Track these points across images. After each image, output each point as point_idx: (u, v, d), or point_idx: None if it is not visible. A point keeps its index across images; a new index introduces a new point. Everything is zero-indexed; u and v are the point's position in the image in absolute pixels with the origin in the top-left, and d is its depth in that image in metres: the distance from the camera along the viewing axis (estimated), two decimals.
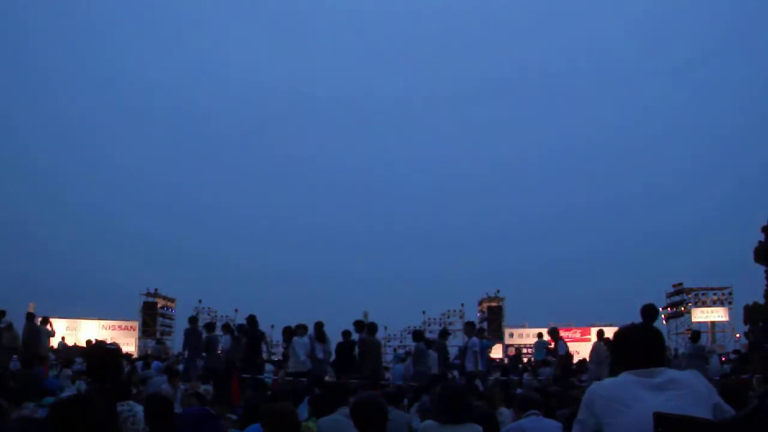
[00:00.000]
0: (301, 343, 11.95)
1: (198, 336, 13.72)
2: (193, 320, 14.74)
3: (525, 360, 20.16)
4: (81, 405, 2.85)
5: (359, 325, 12.58)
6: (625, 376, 2.59)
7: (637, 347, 2.66)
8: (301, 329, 12.25)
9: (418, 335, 13.10)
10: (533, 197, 48.67)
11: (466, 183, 50.46)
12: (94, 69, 50.73)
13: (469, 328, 13.23)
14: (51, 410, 2.88)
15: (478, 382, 11.35)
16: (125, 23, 51.20)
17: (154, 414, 4.28)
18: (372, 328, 12.38)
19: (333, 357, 12.47)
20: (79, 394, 3.55)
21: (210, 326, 14.34)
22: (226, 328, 14.23)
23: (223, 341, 13.86)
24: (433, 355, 12.31)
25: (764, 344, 12.77)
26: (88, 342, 18.15)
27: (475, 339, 12.30)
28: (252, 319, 12.98)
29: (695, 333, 14.96)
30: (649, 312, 9.56)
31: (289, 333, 12.60)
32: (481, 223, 47.87)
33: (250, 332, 12.89)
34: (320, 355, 11.99)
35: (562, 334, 26.41)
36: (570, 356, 13.70)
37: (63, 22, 49.07)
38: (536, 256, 44.83)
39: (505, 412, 7.03)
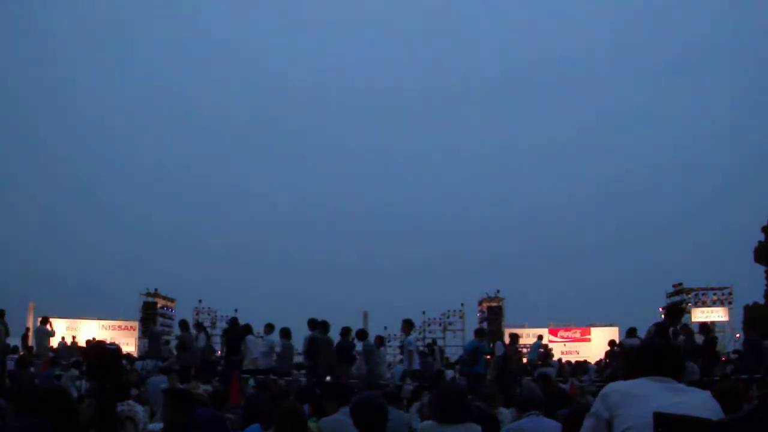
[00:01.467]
0: (253, 341, 12.63)
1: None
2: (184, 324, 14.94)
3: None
4: (52, 394, 2.86)
5: (312, 323, 12.61)
6: (642, 379, 2.67)
7: (655, 359, 2.75)
8: (268, 328, 13.07)
9: (363, 334, 12.93)
10: (533, 197, 48.69)
11: (465, 179, 50.53)
12: (101, 58, 50.59)
13: (407, 325, 12.93)
14: (24, 398, 2.89)
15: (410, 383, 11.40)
16: (135, 12, 51.18)
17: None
18: (324, 326, 12.50)
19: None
20: (50, 385, 3.56)
21: (183, 325, 14.53)
22: (199, 327, 14.73)
23: (199, 340, 14.15)
24: (383, 353, 12.43)
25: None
26: (89, 342, 18.17)
27: (411, 338, 12.36)
28: (233, 321, 13.85)
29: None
30: (674, 311, 9.69)
31: (286, 334, 12.82)
32: (482, 223, 47.93)
33: (229, 332, 13.42)
34: (278, 350, 12.57)
35: (563, 334, 26.44)
36: (509, 358, 13.71)
37: (73, 16, 49.11)
38: (537, 255, 44.85)
39: (504, 412, 7.04)
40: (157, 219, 47.58)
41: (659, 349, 2.84)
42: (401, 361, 14.11)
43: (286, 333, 12.89)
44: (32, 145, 47.67)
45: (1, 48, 48.03)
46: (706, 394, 2.66)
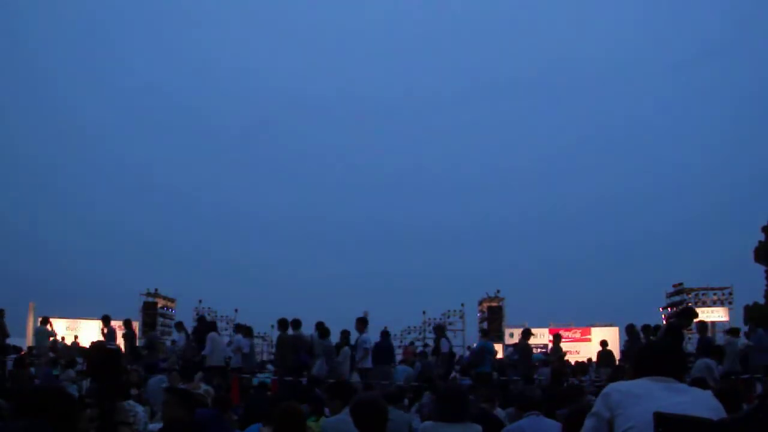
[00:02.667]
0: (216, 338, 12.95)
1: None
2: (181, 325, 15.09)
3: None
4: (46, 394, 2.86)
5: (280, 322, 12.77)
6: (643, 380, 2.67)
7: (656, 359, 2.76)
8: (246, 330, 13.53)
9: (324, 331, 12.79)
10: (533, 196, 48.68)
11: (465, 181, 50.51)
12: (95, 67, 50.68)
13: (360, 324, 12.87)
14: (18, 399, 2.89)
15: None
16: (127, 21, 51.23)
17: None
18: (283, 324, 12.64)
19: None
20: (48, 385, 3.55)
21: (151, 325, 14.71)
22: (180, 326, 14.85)
23: (180, 339, 14.27)
24: (347, 351, 12.49)
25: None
26: (93, 342, 18.16)
27: (365, 336, 12.33)
28: (202, 319, 14.31)
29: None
30: (687, 313, 9.77)
31: (249, 333, 13.44)
32: (481, 222, 47.90)
33: (197, 330, 13.76)
34: (246, 350, 12.85)
35: (563, 334, 26.45)
36: (453, 354, 13.70)
37: (64, 20, 49.09)
38: (537, 255, 44.85)
39: (500, 413, 7.05)
40: (158, 219, 47.61)
41: (660, 349, 2.84)
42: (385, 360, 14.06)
43: (249, 332, 13.50)
44: (32, 144, 47.74)
45: None
46: (708, 394, 2.67)
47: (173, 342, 16.50)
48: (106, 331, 14.77)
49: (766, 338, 13.19)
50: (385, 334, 13.24)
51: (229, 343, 13.65)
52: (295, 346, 12.38)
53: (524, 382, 11.54)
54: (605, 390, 2.69)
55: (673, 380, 2.65)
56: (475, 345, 14.52)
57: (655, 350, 2.86)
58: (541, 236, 46.74)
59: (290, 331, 12.56)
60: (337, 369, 11.97)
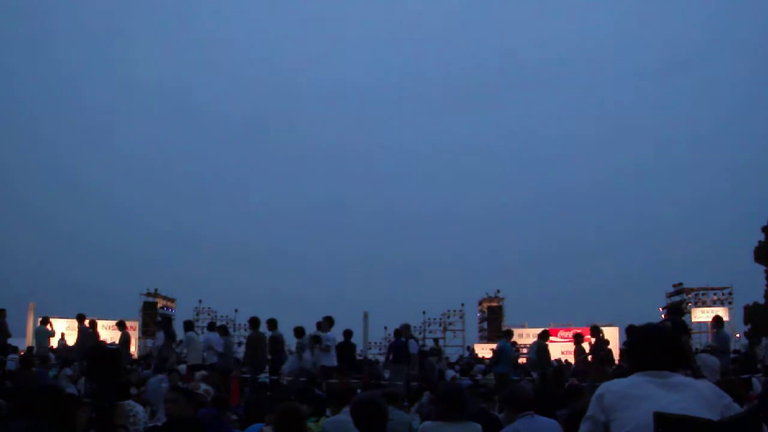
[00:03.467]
0: (189, 338, 13.25)
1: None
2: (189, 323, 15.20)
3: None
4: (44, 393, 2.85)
5: (251, 321, 13.24)
6: (636, 376, 2.61)
7: (650, 349, 2.67)
8: (221, 329, 13.97)
9: (301, 331, 12.96)
10: (534, 198, 48.68)
11: (466, 180, 50.51)
12: (103, 59, 50.65)
13: (326, 322, 12.92)
14: (15, 399, 2.89)
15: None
16: (135, 14, 51.20)
17: None
18: (255, 323, 13.04)
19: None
20: (45, 385, 3.54)
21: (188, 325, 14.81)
22: (159, 325, 15.72)
23: (158, 338, 14.51)
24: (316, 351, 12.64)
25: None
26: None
27: (330, 334, 12.41)
28: (166, 317, 14.90)
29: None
30: (673, 309, 9.83)
31: (300, 333, 13.03)
32: (481, 223, 47.91)
33: (166, 331, 14.06)
34: (220, 349, 12.92)
35: (563, 334, 26.42)
36: (424, 354, 13.71)
37: (78, 16, 49.09)
38: (537, 255, 44.85)
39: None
40: (157, 219, 47.57)
41: (651, 340, 2.73)
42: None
43: (225, 331, 13.90)
44: (31, 146, 47.71)
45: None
46: (706, 386, 2.58)
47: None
48: (81, 328, 14.90)
49: (728, 340, 13.21)
50: (347, 333, 13.40)
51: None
52: (273, 346, 12.65)
53: (541, 381, 11.68)
54: (599, 391, 2.63)
55: (669, 373, 2.57)
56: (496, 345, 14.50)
57: (647, 340, 2.74)
58: (541, 235, 46.74)
59: (266, 331, 12.85)
60: (306, 367, 12.19)
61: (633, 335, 2.87)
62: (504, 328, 26.63)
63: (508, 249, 45.69)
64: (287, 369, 12.33)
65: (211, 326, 14.52)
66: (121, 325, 15.28)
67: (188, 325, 13.97)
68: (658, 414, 2.27)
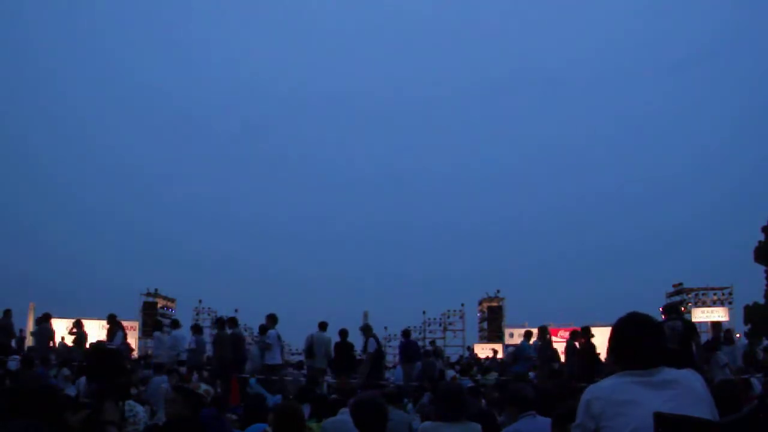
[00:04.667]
0: (157, 338, 13.99)
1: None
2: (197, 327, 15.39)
3: None
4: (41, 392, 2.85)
5: (217, 321, 13.81)
6: (618, 377, 2.52)
7: (634, 344, 2.55)
8: (194, 327, 14.49)
9: (264, 328, 13.10)
10: (533, 197, 48.70)
11: (466, 182, 50.56)
12: (95, 67, 50.82)
13: (270, 320, 13.01)
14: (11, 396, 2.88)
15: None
16: (127, 20, 51.26)
17: None
18: (221, 323, 13.28)
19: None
20: (42, 385, 3.54)
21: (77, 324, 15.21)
22: (118, 324, 15.48)
23: (116, 338, 14.69)
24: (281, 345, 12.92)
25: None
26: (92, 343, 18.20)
27: (273, 332, 12.53)
28: (111, 317, 14.84)
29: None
30: (672, 308, 9.89)
31: (198, 330, 14.15)
32: (482, 222, 47.92)
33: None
34: (193, 345, 13.45)
35: (563, 334, 26.42)
36: (382, 354, 13.72)
37: (65, 20, 49.16)
38: (537, 255, 44.88)
39: None
40: (158, 219, 47.59)
41: (635, 337, 2.58)
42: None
43: (198, 329, 14.29)
44: (32, 145, 47.70)
45: None
46: (691, 377, 2.50)
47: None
48: (75, 330, 15.02)
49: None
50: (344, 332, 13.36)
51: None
52: (234, 344, 12.72)
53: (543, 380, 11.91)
54: (585, 396, 2.53)
55: (654, 370, 2.47)
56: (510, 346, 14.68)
57: (630, 335, 2.60)
58: (541, 236, 46.77)
59: (228, 330, 12.97)
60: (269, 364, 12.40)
61: (616, 326, 2.67)
62: (504, 329, 26.90)
63: (509, 248, 45.75)
64: (250, 366, 12.62)
65: (174, 323, 15.42)
66: (77, 324, 15.35)
67: (158, 325, 14.39)
68: (657, 414, 2.26)
